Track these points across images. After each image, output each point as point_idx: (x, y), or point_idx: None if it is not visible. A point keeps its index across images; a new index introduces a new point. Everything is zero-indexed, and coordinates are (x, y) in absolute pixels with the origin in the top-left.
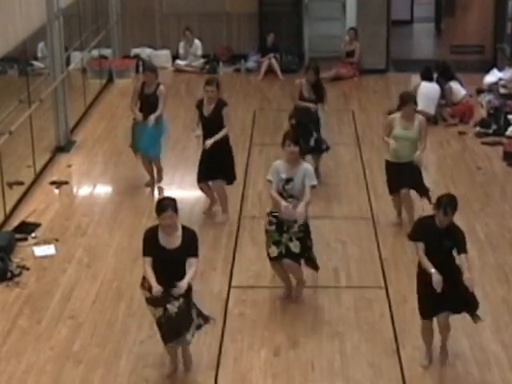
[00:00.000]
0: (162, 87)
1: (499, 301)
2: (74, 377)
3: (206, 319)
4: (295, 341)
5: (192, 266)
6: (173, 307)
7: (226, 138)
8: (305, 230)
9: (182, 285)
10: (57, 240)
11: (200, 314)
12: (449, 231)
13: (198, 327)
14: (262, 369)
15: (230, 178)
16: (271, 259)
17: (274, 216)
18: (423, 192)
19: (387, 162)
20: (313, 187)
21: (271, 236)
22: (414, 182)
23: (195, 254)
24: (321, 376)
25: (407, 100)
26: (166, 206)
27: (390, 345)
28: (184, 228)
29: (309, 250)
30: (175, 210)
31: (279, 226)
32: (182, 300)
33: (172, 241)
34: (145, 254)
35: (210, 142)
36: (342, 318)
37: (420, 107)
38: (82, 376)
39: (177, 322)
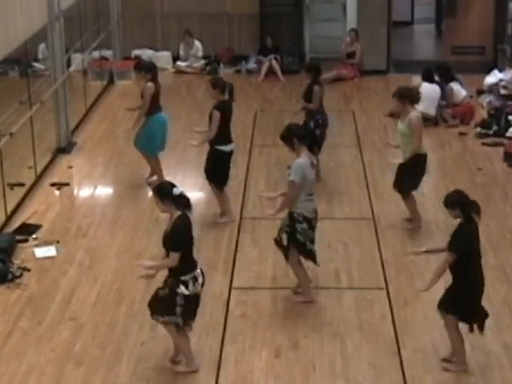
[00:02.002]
0: (147, 84)
1: (500, 302)
2: (74, 378)
3: (187, 324)
4: (296, 342)
5: (168, 259)
6: (163, 289)
7: (210, 143)
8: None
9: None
10: (58, 241)
11: (185, 316)
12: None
13: (176, 324)
14: (263, 370)
15: (217, 182)
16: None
17: (304, 216)
18: (398, 188)
19: None
20: (290, 181)
21: (308, 234)
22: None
23: (172, 248)
24: (322, 377)
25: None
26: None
27: (391, 346)
28: (178, 216)
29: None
30: (158, 195)
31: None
32: (168, 290)
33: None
34: None
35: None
36: (343, 319)
37: (420, 108)
38: (83, 378)
39: (158, 301)
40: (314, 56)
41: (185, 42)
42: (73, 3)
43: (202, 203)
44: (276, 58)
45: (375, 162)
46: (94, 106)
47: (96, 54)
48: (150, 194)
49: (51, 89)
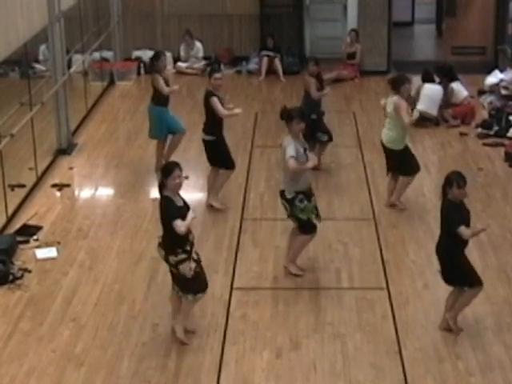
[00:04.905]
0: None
1: (501, 302)
2: (75, 379)
3: None
4: (297, 342)
5: None
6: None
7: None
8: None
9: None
10: (58, 243)
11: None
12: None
13: None
14: (264, 370)
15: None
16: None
17: (302, 192)
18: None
19: None
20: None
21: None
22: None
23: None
24: (323, 377)
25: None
26: None
27: (392, 346)
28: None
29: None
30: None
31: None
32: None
33: None
34: None
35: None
36: (343, 320)
37: (422, 108)
38: (84, 378)
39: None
40: (315, 57)
41: (185, 43)
42: (73, 4)
43: (203, 204)
44: (276, 57)
45: (376, 162)
46: (94, 107)
47: (97, 55)
48: (151, 194)
49: (52, 90)
